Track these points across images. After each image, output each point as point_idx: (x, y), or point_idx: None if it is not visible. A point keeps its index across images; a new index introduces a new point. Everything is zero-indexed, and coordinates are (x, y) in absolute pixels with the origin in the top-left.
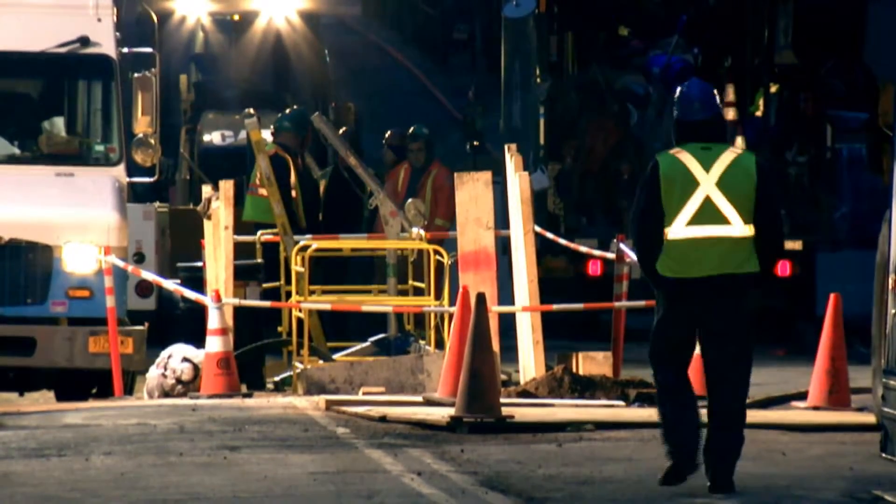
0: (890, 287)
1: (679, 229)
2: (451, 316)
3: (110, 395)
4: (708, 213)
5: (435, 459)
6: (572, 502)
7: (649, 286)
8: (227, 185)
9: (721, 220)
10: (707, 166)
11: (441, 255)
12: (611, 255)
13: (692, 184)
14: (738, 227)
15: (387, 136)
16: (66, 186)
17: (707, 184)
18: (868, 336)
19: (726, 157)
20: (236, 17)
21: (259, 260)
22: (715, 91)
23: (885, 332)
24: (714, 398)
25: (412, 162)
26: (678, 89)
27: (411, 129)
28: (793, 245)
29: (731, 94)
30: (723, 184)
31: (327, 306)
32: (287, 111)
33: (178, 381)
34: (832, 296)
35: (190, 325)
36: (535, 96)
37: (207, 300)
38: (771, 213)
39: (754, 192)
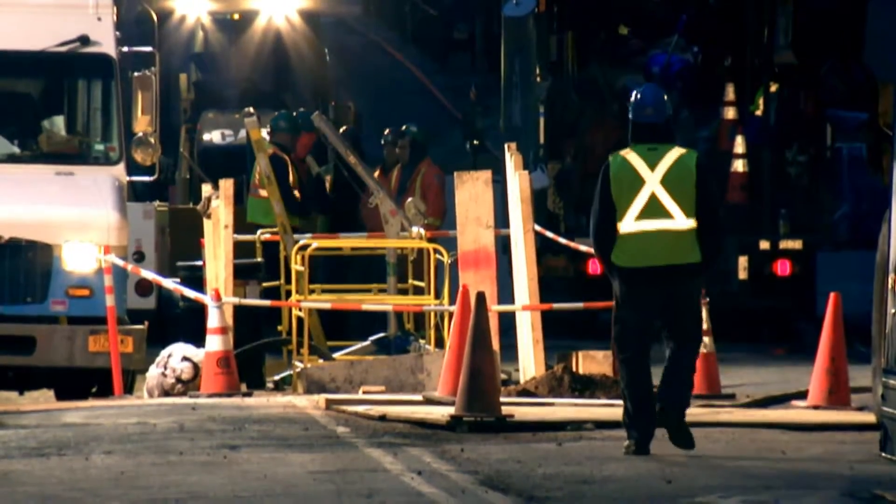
0: (890, 286)
1: (629, 224)
2: (451, 315)
3: (110, 395)
4: (653, 209)
5: (435, 458)
6: (572, 501)
7: None
8: (226, 184)
9: (665, 214)
10: (652, 165)
11: (441, 254)
12: None
13: (638, 182)
14: (681, 221)
15: (385, 133)
16: (66, 185)
17: (652, 182)
18: (868, 335)
19: (670, 157)
20: (236, 17)
21: (259, 259)
22: (666, 97)
23: (885, 332)
24: (672, 352)
25: (399, 159)
26: (634, 92)
27: (403, 127)
28: (793, 245)
29: (730, 94)
30: (666, 181)
31: (327, 305)
32: (283, 111)
33: (178, 380)
34: (832, 295)
35: (190, 324)
36: (535, 96)
37: (207, 299)
38: (709, 207)
39: (695, 188)
